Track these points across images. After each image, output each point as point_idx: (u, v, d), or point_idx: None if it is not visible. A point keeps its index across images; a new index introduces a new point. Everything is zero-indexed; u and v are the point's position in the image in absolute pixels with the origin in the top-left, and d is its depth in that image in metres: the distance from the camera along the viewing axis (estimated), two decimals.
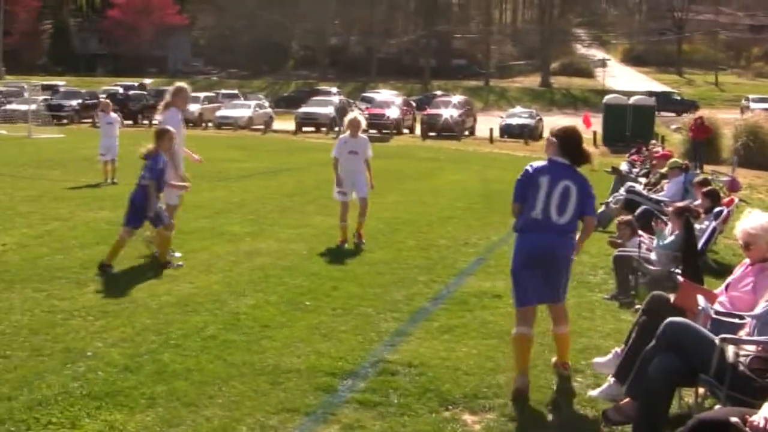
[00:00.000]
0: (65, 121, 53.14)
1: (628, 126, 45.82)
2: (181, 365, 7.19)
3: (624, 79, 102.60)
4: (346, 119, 14.31)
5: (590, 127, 46.57)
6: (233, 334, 8.18)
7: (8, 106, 53.05)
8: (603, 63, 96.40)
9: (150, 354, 7.47)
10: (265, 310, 9.08)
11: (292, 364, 7.31)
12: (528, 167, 7.35)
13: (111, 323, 8.45)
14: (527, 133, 48.45)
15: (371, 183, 13.84)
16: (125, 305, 9.17)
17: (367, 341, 8.11)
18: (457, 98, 56.57)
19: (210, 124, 53.73)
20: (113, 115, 23.13)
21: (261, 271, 11.13)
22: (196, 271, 11.03)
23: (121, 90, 65.94)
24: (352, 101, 61.46)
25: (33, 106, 46.16)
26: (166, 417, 6.14)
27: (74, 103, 56.23)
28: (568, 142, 7.39)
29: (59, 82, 77.79)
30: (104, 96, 46.36)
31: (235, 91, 70.12)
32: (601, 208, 16.27)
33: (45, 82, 68.28)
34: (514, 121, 52.07)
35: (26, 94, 51.17)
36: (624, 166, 24.05)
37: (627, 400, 6.08)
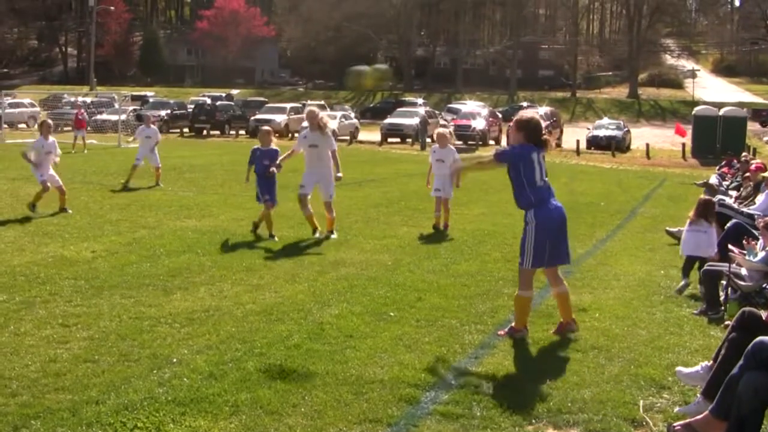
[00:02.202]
0: None
1: (719, 138, 45.06)
2: (265, 373, 7.22)
3: (714, 90, 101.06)
4: (435, 132, 17.11)
5: (685, 136, 45.78)
6: (317, 343, 8.18)
7: (99, 117, 54.16)
8: (693, 74, 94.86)
9: (234, 362, 7.51)
10: (349, 320, 9.07)
11: (375, 375, 7.29)
12: (520, 149, 8.58)
13: (197, 330, 8.54)
14: (615, 145, 47.86)
15: (457, 183, 15.24)
16: (211, 313, 9.26)
17: (450, 353, 8.06)
18: (543, 109, 56.27)
19: (296, 135, 54.00)
20: (153, 128, 24.19)
21: (346, 281, 11.14)
22: (281, 280, 11.10)
23: (209, 100, 66.87)
24: (437, 112, 61.51)
25: (123, 117, 47.12)
26: (250, 425, 6.16)
27: (163, 113, 57.18)
28: (533, 132, 8.62)
29: (149, 92, 79.38)
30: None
31: (322, 102, 70.59)
32: None
33: (135, 93, 69.63)
34: (602, 132, 51.57)
35: (116, 105, 52.21)
36: (714, 179, 23.63)
37: (699, 417, 5.94)
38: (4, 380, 6.90)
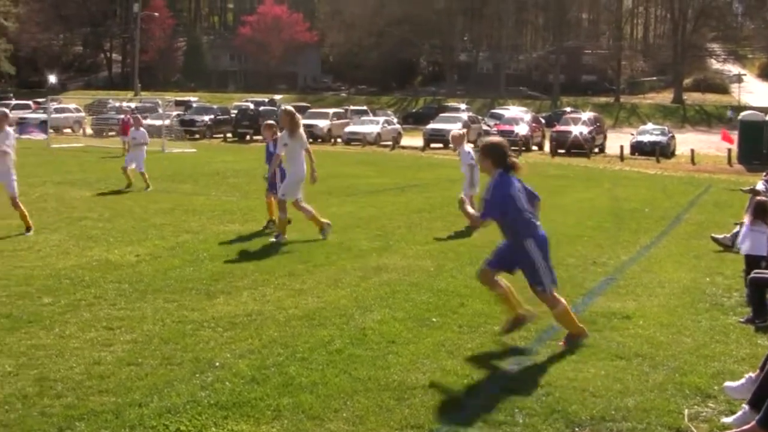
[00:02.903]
0: (197, 136, 54.43)
1: (766, 143, 44.46)
2: (307, 378, 7.22)
3: (761, 95, 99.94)
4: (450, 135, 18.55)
5: (732, 143, 45.31)
6: (359, 348, 8.18)
7: (143, 122, 54.56)
8: (739, 78, 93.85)
9: (276, 366, 7.53)
10: (391, 326, 9.06)
11: (417, 381, 7.27)
12: (505, 189, 8.29)
13: (239, 335, 8.56)
14: (659, 151, 47.42)
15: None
16: (253, 317, 9.29)
17: (493, 359, 8.01)
18: (586, 115, 55.94)
19: (339, 140, 54.23)
20: (142, 130, 24.23)
21: (388, 286, 11.12)
22: (323, 285, 11.10)
23: (251, 105, 67.14)
24: (480, 117, 61.40)
25: (167, 122, 47.47)
26: (291, 429, 6.16)
27: (206, 118, 57.50)
28: (500, 157, 8.41)
29: (192, 97, 79.91)
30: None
31: (364, 108, 70.66)
32: (736, 228, 15.81)
33: (178, 98, 70.16)
34: (646, 138, 51.04)
35: (160, 110, 52.61)
36: (760, 186, 23.30)
37: (745, 427, 5.85)
38: (50, 382, 6.97)
